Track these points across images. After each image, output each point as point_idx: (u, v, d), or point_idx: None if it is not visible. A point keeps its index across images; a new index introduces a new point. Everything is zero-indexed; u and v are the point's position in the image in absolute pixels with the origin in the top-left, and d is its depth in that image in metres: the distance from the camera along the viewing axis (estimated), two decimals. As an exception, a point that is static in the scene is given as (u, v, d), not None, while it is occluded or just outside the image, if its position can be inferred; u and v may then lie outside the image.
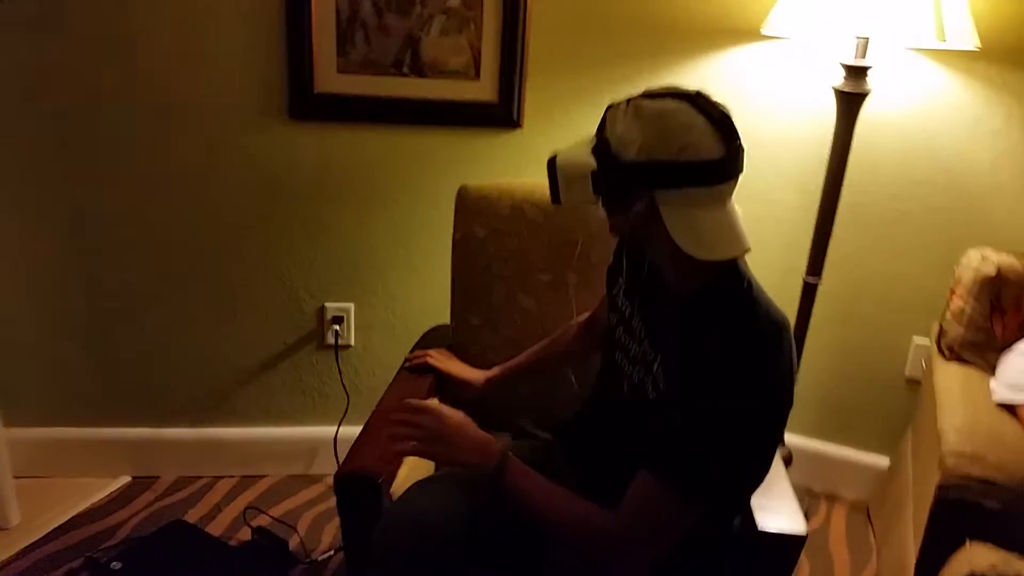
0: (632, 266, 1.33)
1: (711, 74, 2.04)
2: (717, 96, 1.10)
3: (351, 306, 2.21)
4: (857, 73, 1.88)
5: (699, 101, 1.08)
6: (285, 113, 2.01)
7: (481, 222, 1.76)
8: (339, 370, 2.25)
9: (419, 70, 2.00)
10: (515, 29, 1.98)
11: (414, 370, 1.73)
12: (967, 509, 1.48)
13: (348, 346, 2.25)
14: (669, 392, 1.17)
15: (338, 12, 1.94)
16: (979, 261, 1.84)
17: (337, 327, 2.21)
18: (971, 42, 1.75)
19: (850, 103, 1.91)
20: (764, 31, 1.94)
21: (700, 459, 1.09)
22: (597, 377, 1.46)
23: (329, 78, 1.99)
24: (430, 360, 1.73)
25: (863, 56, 1.87)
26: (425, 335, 1.92)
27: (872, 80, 1.88)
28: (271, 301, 2.19)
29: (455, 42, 1.99)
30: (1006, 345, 1.81)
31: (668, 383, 1.18)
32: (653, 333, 1.25)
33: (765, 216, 2.17)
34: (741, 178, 1.11)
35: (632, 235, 1.23)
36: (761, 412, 1.09)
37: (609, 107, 1.13)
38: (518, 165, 2.11)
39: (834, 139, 1.94)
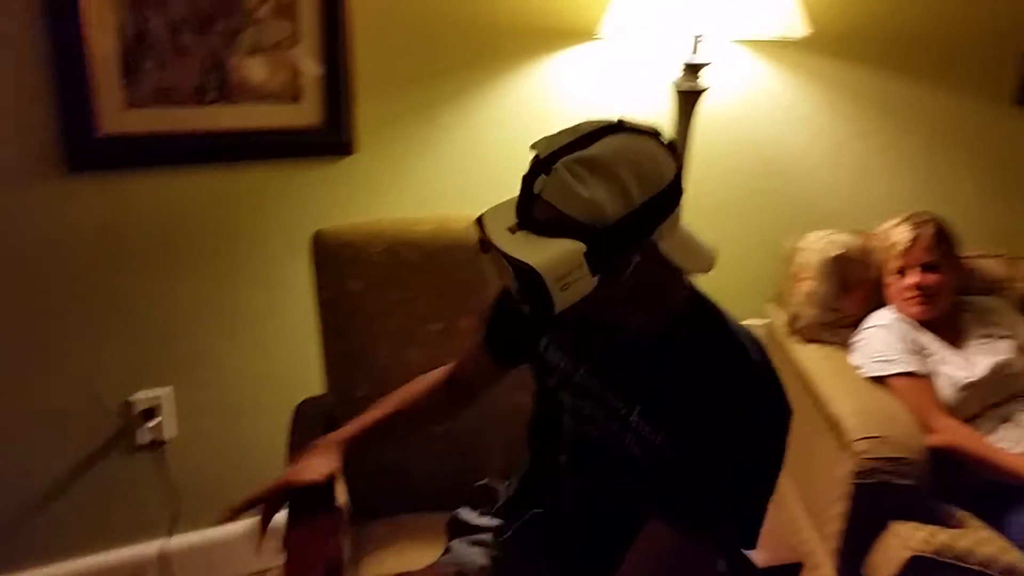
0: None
1: (546, 78, 1.93)
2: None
3: (168, 391, 1.82)
4: (693, 70, 1.88)
5: (629, 126, 0.96)
6: (62, 165, 1.57)
7: (352, 273, 1.50)
8: (158, 472, 1.86)
9: (228, 96, 1.67)
10: (337, 41, 1.71)
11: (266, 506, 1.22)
12: (884, 490, 1.55)
13: (165, 442, 1.84)
14: (662, 439, 1.05)
15: (121, 32, 1.54)
16: (824, 243, 1.94)
17: (151, 422, 1.80)
18: (803, 30, 1.80)
19: (688, 100, 1.91)
20: (599, 32, 1.87)
21: (725, 496, 0.99)
22: (537, 445, 1.29)
23: (115, 116, 1.58)
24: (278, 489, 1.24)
25: (698, 53, 1.87)
26: (298, 411, 1.60)
27: (707, 76, 1.89)
28: (60, 403, 1.74)
29: (269, 60, 1.68)
30: (855, 322, 1.93)
31: (656, 430, 1.06)
32: (617, 385, 1.11)
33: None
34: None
35: (623, 292, 1.06)
36: (776, 429, 1.01)
37: (530, 184, 0.94)
38: (355, 198, 1.85)
39: (676, 136, 1.94)
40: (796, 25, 1.79)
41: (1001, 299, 1.95)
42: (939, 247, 1.81)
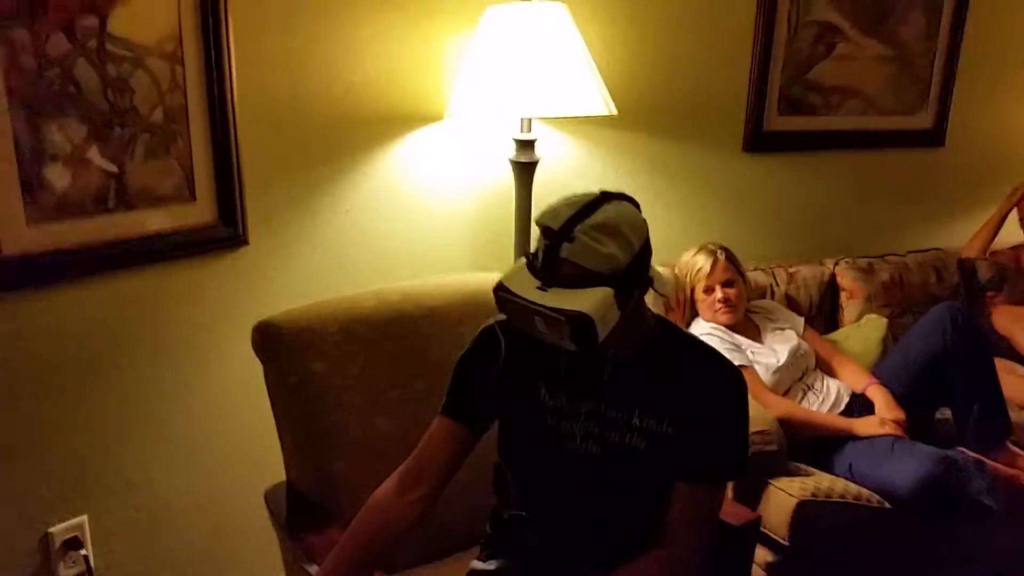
0: (548, 362, 1.37)
1: (401, 159, 2.11)
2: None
3: (83, 520, 1.66)
4: (526, 145, 2.19)
5: (613, 195, 1.25)
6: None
7: (315, 356, 1.56)
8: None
9: (128, 202, 1.63)
10: (226, 138, 1.76)
11: None
12: (760, 458, 1.94)
13: (85, 574, 1.68)
14: (668, 426, 1.30)
15: (17, 144, 1.45)
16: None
17: (75, 552, 1.64)
18: (610, 109, 2.20)
19: (523, 171, 2.21)
20: (444, 115, 2.11)
21: (733, 444, 1.32)
22: (527, 485, 1.42)
23: (15, 235, 1.47)
24: None
25: (528, 131, 2.18)
26: (271, 498, 1.58)
27: (539, 149, 2.21)
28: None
29: (164, 164, 1.67)
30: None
31: (661, 422, 1.31)
32: (614, 400, 1.35)
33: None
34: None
35: (626, 322, 1.30)
36: (743, 385, 1.33)
37: (555, 249, 1.17)
38: (251, 285, 1.88)
39: (516, 203, 2.22)
40: (602, 106, 2.17)
41: (772, 300, 2.51)
42: (732, 267, 2.31)
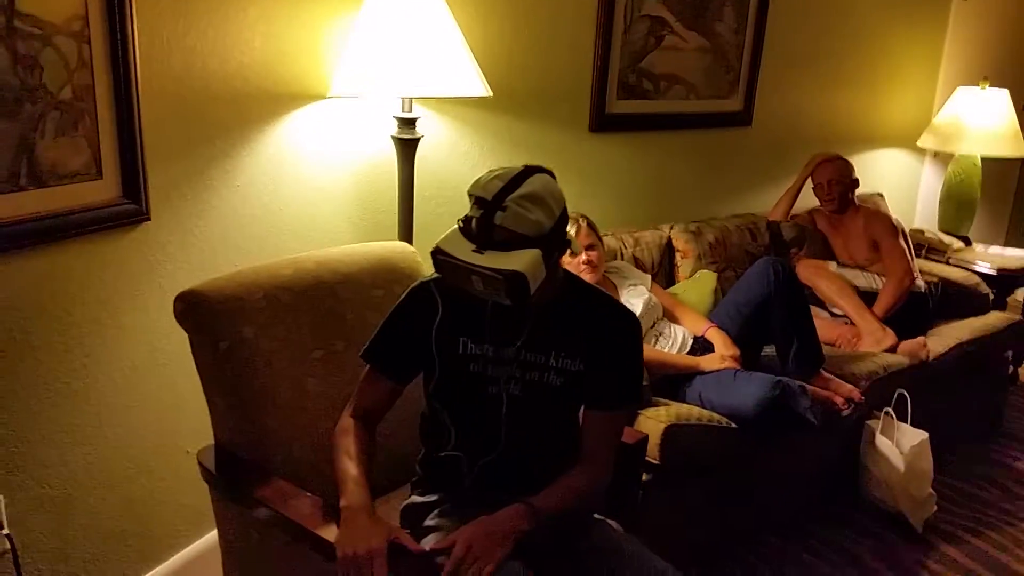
0: (476, 316, 1.56)
1: (287, 135, 2.20)
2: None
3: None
4: (408, 123, 2.35)
5: (535, 168, 1.46)
6: None
7: (245, 321, 1.66)
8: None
9: (39, 179, 1.63)
10: (131, 117, 1.79)
11: None
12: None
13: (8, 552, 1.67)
14: (580, 364, 1.53)
15: (-70, 122, 1.44)
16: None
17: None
18: (487, 91, 2.40)
19: (406, 147, 2.36)
20: (331, 93, 2.23)
21: (633, 375, 1.58)
22: (459, 426, 1.58)
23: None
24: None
25: (410, 110, 2.34)
26: (206, 458, 1.66)
27: (420, 126, 2.37)
28: None
29: (73, 141, 1.69)
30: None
31: (575, 360, 1.53)
32: (531, 344, 1.58)
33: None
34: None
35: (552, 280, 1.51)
36: (637, 321, 1.61)
37: (490, 217, 1.37)
38: (153, 260, 1.93)
39: (399, 177, 2.37)
40: (481, 88, 2.37)
41: (623, 261, 2.83)
42: (592, 232, 2.59)
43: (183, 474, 2.04)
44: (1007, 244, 4.40)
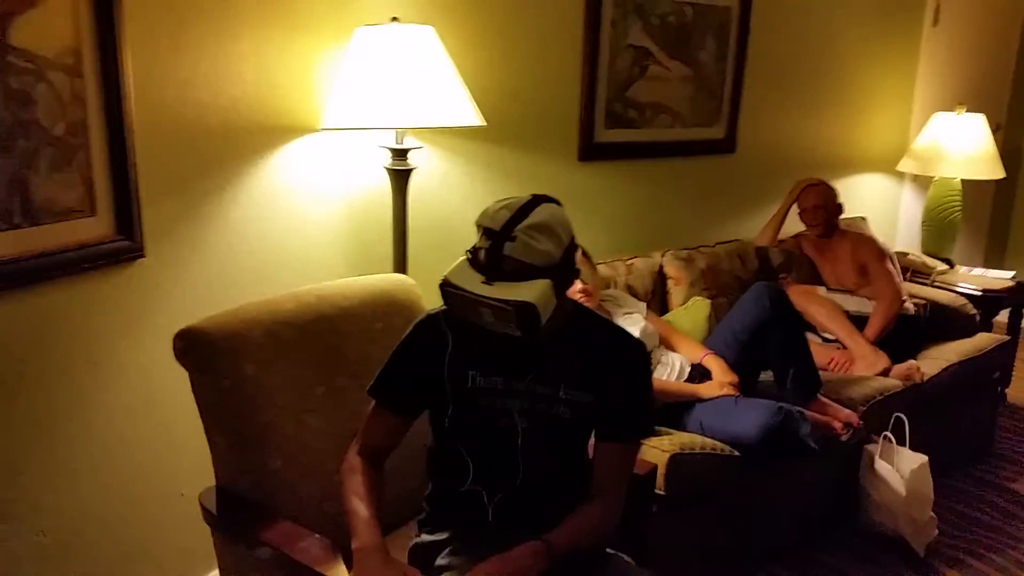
0: (485, 349, 1.52)
1: (279, 168, 2.17)
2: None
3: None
4: (400, 154, 2.33)
5: (542, 197, 1.44)
6: None
7: (247, 358, 1.62)
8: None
9: (33, 217, 1.60)
10: (124, 152, 1.76)
11: None
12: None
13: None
14: (591, 396, 1.50)
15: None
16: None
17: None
18: (481, 121, 2.39)
19: (399, 178, 2.35)
20: (323, 125, 2.21)
21: (644, 405, 1.56)
22: (445, 469, 1.56)
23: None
24: None
25: (402, 141, 2.33)
26: (209, 500, 1.61)
27: (413, 158, 2.36)
28: None
29: (67, 177, 1.66)
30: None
31: (586, 393, 1.51)
32: (540, 376, 1.55)
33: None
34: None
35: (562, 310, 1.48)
36: (647, 353, 1.61)
37: (498, 248, 1.34)
38: (148, 297, 1.89)
39: (393, 208, 2.36)
40: (474, 118, 2.37)
41: (617, 289, 2.82)
42: (587, 261, 2.58)
43: (179, 517, 1.98)
44: (987, 265, 4.46)
